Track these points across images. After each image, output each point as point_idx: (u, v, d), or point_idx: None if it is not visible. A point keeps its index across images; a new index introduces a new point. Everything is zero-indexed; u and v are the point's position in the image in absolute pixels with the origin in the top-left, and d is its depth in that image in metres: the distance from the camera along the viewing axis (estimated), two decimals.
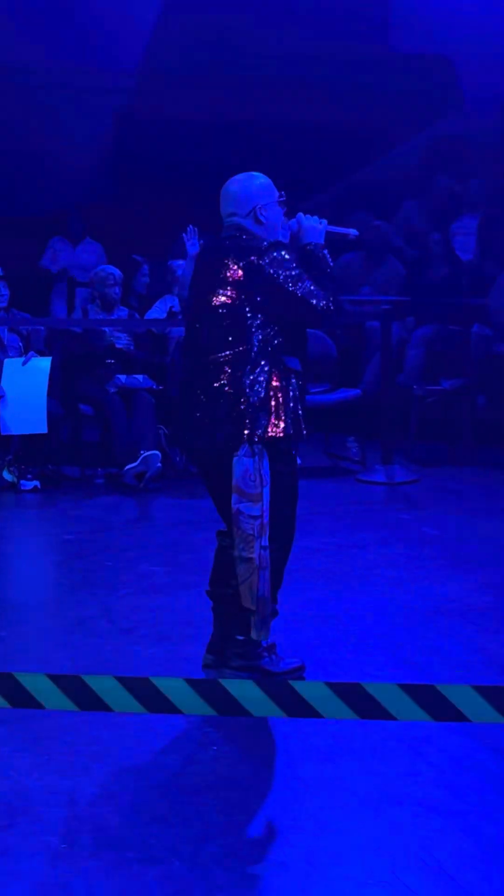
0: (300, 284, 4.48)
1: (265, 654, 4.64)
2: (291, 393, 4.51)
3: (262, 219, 4.61)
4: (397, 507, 7.96)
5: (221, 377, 4.48)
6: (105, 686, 2.59)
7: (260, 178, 4.69)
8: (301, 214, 4.72)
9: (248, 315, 4.48)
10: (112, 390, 8.74)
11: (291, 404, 4.49)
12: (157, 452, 8.43)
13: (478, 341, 9.91)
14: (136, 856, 3.32)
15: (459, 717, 2.52)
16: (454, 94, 12.38)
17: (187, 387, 4.65)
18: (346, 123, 12.04)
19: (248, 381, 4.45)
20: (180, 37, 11.98)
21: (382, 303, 9.17)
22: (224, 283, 4.53)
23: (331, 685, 2.56)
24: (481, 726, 3.97)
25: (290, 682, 2.64)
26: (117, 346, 8.91)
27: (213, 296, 4.55)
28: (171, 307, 9.24)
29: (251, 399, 4.43)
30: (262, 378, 4.45)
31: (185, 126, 11.99)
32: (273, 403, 4.45)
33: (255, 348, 4.47)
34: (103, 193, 12.13)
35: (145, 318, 9.40)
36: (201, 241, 4.66)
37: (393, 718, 2.55)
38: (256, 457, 4.41)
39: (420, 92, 12.14)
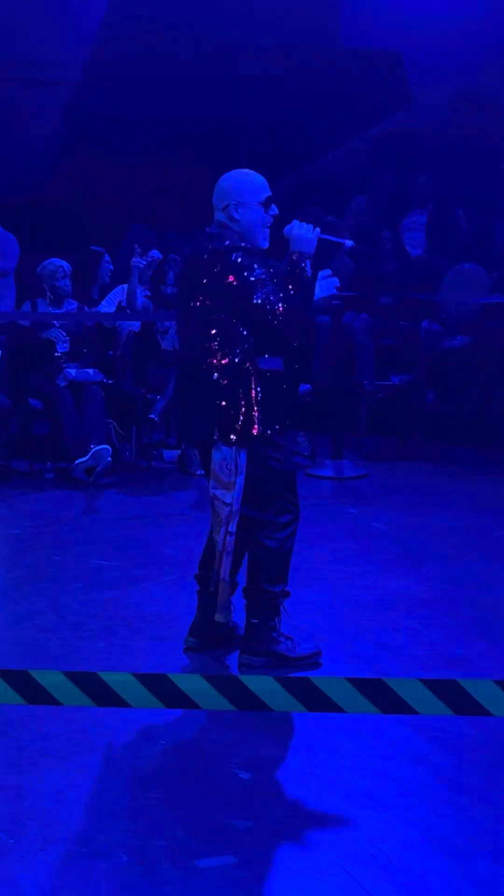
0: (257, 291, 4.52)
1: (282, 639, 4.71)
2: (264, 393, 4.58)
3: (236, 216, 4.65)
4: (346, 501, 7.99)
5: (206, 376, 4.58)
6: (53, 681, 2.58)
7: (249, 176, 4.74)
8: (295, 222, 4.74)
9: (221, 317, 4.56)
10: (62, 384, 8.70)
11: (263, 402, 4.57)
12: (106, 447, 8.41)
13: (427, 337, 9.96)
14: (83, 850, 3.32)
15: (407, 710, 2.53)
16: (403, 89, 12.44)
17: (185, 383, 4.77)
18: (296, 119, 12.08)
19: (224, 383, 4.55)
20: (127, 32, 11.95)
21: (332, 298, 9.18)
22: (200, 286, 4.63)
23: (279, 679, 2.57)
24: (429, 719, 4.00)
25: (239, 675, 2.65)
26: (58, 350, 8.85)
27: (194, 297, 4.65)
28: (120, 301, 9.21)
29: (227, 400, 4.55)
30: (229, 380, 4.55)
31: (132, 121, 11.97)
32: (244, 404, 4.55)
33: (231, 351, 4.56)
34: (51, 187, 12.07)
35: (96, 310, 9.36)
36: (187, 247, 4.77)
37: (341, 711, 2.55)
38: (234, 447, 4.56)
39: (369, 88, 12.18)
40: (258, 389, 4.57)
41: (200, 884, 3.16)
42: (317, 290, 4.76)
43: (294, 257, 4.65)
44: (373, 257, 10.62)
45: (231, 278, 4.54)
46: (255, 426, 4.56)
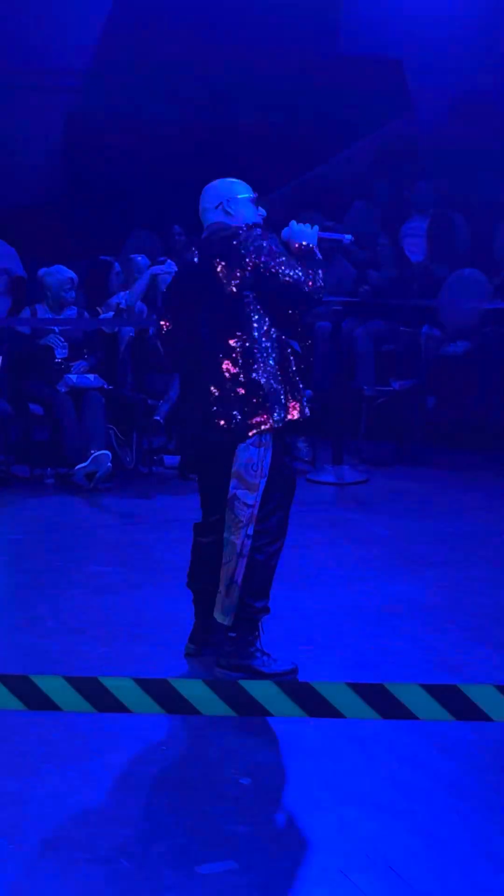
0: (281, 263, 4.55)
1: (258, 654, 4.67)
2: (297, 376, 4.66)
3: (230, 211, 4.76)
4: (346, 507, 7.99)
5: (230, 368, 4.57)
6: (54, 686, 2.58)
7: (233, 181, 4.87)
8: (293, 222, 4.82)
9: (246, 303, 4.57)
10: (62, 390, 8.71)
11: (301, 386, 4.66)
12: (107, 452, 8.41)
13: (427, 343, 9.97)
14: (84, 856, 3.32)
15: (408, 715, 2.53)
16: (403, 96, 12.45)
17: (192, 382, 4.74)
18: (297, 125, 12.09)
19: (255, 370, 4.54)
20: (129, 38, 11.96)
21: (333, 303, 9.19)
22: (216, 278, 4.61)
23: (280, 684, 2.57)
24: (430, 725, 3.99)
25: (240, 681, 2.65)
26: (57, 356, 8.85)
27: (209, 293, 4.63)
28: (118, 303, 9.20)
29: (264, 388, 4.54)
30: (268, 366, 4.57)
31: (134, 126, 11.98)
32: (284, 389, 4.60)
33: (258, 335, 4.57)
34: (53, 193, 12.08)
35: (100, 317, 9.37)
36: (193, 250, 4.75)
37: (342, 716, 2.56)
38: (263, 448, 4.57)
39: (369, 94, 12.18)
40: (289, 372, 4.61)
41: (201, 889, 3.16)
42: (308, 238, 4.77)
43: (301, 248, 4.72)
44: (372, 263, 10.62)
45: (248, 259, 4.54)
46: (295, 412, 4.59)
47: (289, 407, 4.61)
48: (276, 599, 4.70)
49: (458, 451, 9.64)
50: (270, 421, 4.55)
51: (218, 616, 4.67)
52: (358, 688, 2.55)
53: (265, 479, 4.58)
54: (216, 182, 4.89)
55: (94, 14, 12.07)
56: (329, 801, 3.67)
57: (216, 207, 4.79)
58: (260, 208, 4.84)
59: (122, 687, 2.58)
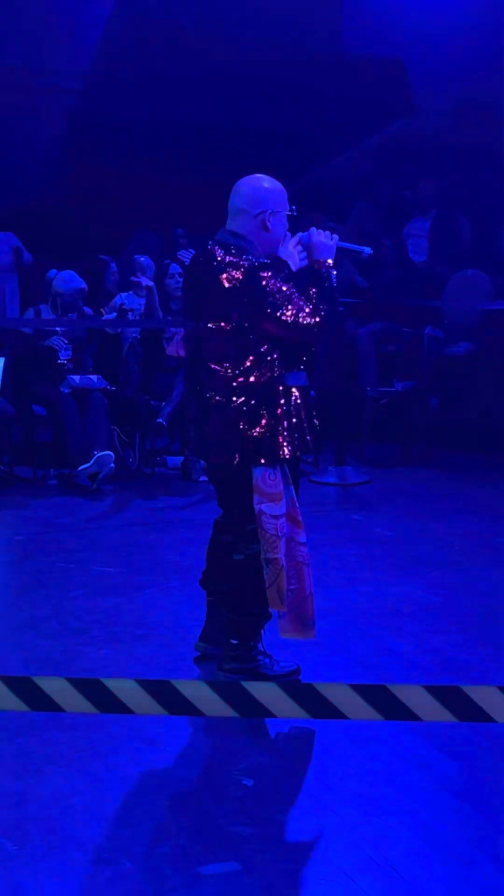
0: (289, 307, 4.39)
1: (260, 657, 4.64)
2: (294, 412, 4.47)
3: (269, 225, 4.51)
4: (349, 508, 7.99)
5: (221, 394, 4.45)
6: (56, 687, 2.58)
7: (278, 184, 4.59)
8: (313, 229, 4.64)
9: (243, 333, 4.41)
10: (66, 391, 8.71)
11: (288, 423, 4.44)
12: (110, 453, 8.42)
13: (430, 343, 9.97)
14: (86, 857, 3.32)
15: (410, 716, 2.53)
16: (406, 96, 12.45)
17: (200, 399, 4.59)
18: (300, 125, 12.09)
19: (243, 401, 4.41)
20: (131, 39, 11.96)
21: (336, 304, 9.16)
22: (220, 300, 4.44)
23: (282, 685, 2.57)
24: (432, 726, 4.00)
25: (243, 682, 2.65)
26: (60, 357, 8.86)
27: (209, 313, 4.48)
28: (121, 304, 9.19)
29: (247, 421, 4.42)
30: (255, 399, 4.42)
31: (136, 127, 11.99)
32: (268, 424, 4.43)
33: (250, 367, 4.42)
34: (55, 195, 12.09)
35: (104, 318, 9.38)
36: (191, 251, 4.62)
37: (345, 718, 2.55)
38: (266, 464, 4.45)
39: (373, 94, 12.19)
40: (285, 407, 4.45)
41: (204, 890, 3.16)
42: (327, 252, 4.61)
43: (316, 266, 4.57)
44: (375, 264, 10.63)
45: (258, 297, 4.37)
46: (286, 447, 4.43)
47: (280, 445, 4.44)
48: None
49: (460, 452, 9.64)
50: (259, 458, 4.43)
51: (296, 636, 4.57)
52: (360, 689, 2.55)
53: (290, 485, 4.48)
54: (266, 181, 4.58)
55: (97, 15, 12.07)
56: (331, 802, 3.67)
57: (256, 216, 4.51)
58: (293, 208, 4.61)
59: (125, 688, 2.58)
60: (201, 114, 11.90)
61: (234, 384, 4.43)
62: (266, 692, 2.58)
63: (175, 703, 2.57)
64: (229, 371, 4.44)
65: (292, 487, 4.51)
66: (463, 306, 10.04)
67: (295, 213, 4.63)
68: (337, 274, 4.64)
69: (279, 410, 4.44)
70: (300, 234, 4.65)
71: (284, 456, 4.45)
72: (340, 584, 6.02)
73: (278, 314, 4.39)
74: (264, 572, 4.47)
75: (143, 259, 9.65)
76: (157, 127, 11.93)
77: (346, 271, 10.69)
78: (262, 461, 4.43)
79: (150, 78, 11.83)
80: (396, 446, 9.67)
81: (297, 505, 4.53)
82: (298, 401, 4.50)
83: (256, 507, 4.43)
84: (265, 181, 4.57)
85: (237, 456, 4.44)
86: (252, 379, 4.43)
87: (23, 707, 2.58)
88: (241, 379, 4.43)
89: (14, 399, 8.89)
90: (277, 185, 4.59)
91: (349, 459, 8.91)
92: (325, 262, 4.58)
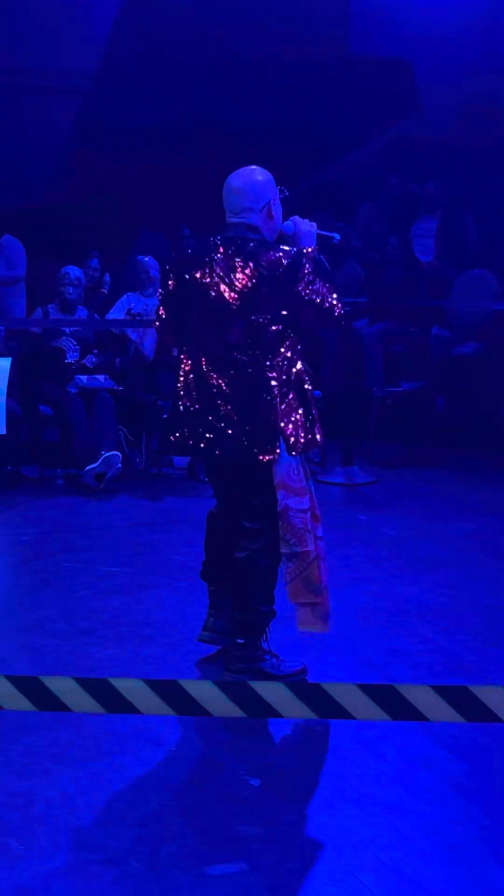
0: (321, 294, 4.44)
1: (267, 656, 4.65)
2: (312, 400, 4.59)
3: (273, 214, 4.57)
4: (356, 508, 7.99)
5: (251, 387, 4.45)
6: (63, 687, 2.58)
7: (266, 173, 4.63)
8: (297, 218, 4.69)
9: (273, 324, 4.43)
10: (73, 391, 8.71)
11: (315, 412, 4.57)
12: (117, 453, 8.42)
13: (437, 343, 9.96)
14: (94, 857, 3.32)
15: (417, 716, 2.53)
16: (412, 96, 12.44)
17: (205, 387, 4.54)
18: (306, 125, 12.09)
19: (278, 391, 4.45)
20: (137, 39, 11.97)
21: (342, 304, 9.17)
22: (240, 290, 4.43)
23: (289, 685, 2.57)
24: (440, 726, 4.00)
25: (250, 682, 2.65)
26: (68, 359, 8.87)
27: (226, 301, 4.46)
28: (129, 308, 9.21)
29: (287, 414, 4.47)
30: (292, 391, 4.49)
31: (142, 127, 11.99)
32: (304, 414, 4.52)
33: (282, 358, 4.46)
34: (61, 194, 12.10)
35: (105, 318, 9.38)
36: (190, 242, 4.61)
37: (352, 718, 2.55)
38: (295, 453, 4.50)
39: (379, 94, 12.18)
40: (309, 398, 4.54)
41: (211, 890, 3.16)
42: (311, 240, 4.66)
43: (305, 251, 4.55)
44: (381, 264, 10.63)
45: (299, 287, 4.39)
46: (318, 434, 4.55)
47: (308, 434, 4.54)
48: (286, 602, 4.69)
49: (467, 452, 9.64)
50: (295, 446, 4.48)
51: (314, 628, 4.60)
52: (367, 689, 2.55)
53: (311, 479, 4.54)
54: (254, 177, 4.58)
55: (103, 16, 12.08)
56: (338, 802, 3.67)
57: (261, 209, 4.53)
58: (283, 188, 4.64)
59: (132, 688, 2.58)
60: (208, 114, 11.90)
61: (269, 375, 4.45)
62: (273, 692, 2.57)
63: (182, 703, 2.57)
64: (260, 361, 4.44)
65: (312, 481, 4.56)
66: (470, 306, 10.03)
67: (287, 194, 4.68)
68: (343, 273, 4.68)
69: (307, 399, 4.54)
70: (286, 223, 4.69)
71: (319, 442, 4.57)
72: (347, 584, 6.02)
73: (318, 301, 4.44)
74: (284, 567, 4.52)
75: (146, 259, 9.65)
76: (163, 127, 11.94)
77: (354, 272, 10.69)
78: (300, 449, 4.48)
79: (157, 78, 11.84)
80: (403, 446, 9.66)
81: (315, 500, 4.56)
82: (309, 388, 4.59)
83: (282, 502, 4.46)
84: (257, 174, 4.61)
85: (279, 446, 4.46)
86: (286, 369, 4.48)
87: (30, 707, 2.58)
88: (275, 372, 4.45)
89: (21, 399, 8.89)
90: (266, 172, 4.64)
91: (356, 459, 8.91)
92: (313, 249, 4.61)
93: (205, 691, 2.58)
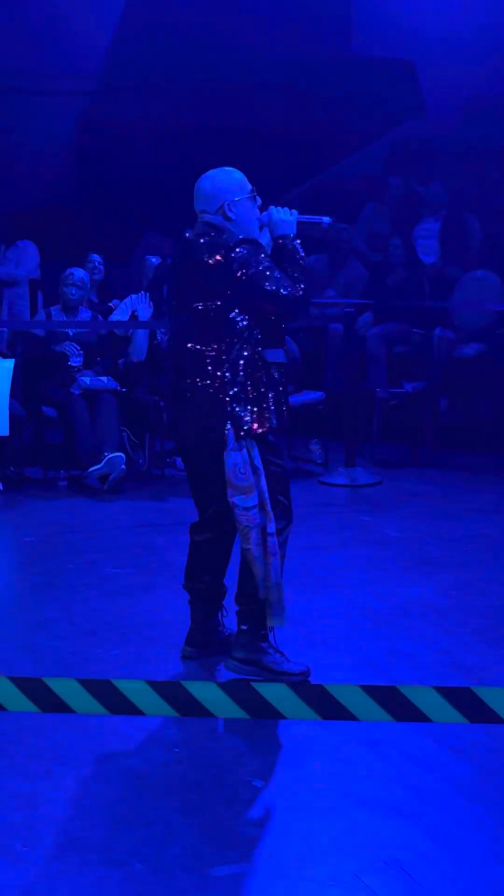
0: (268, 279, 4.49)
1: (270, 650, 4.65)
2: (273, 386, 4.57)
3: (231, 215, 4.64)
4: (359, 509, 7.98)
5: (205, 374, 4.54)
6: (67, 688, 2.59)
7: (231, 174, 4.72)
8: (273, 208, 4.73)
9: (226, 311, 4.52)
10: (76, 392, 8.72)
11: (271, 395, 4.55)
12: (120, 454, 8.42)
13: (440, 344, 9.96)
14: (97, 858, 3.32)
15: (421, 717, 2.53)
16: (416, 97, 12.44)
17: (176, 384, 4.68)
18: (310, 126, 12.08)
19: (228, 377, 4.51)
20: (140, 41, 11.97)
21: (346, 305, 9.19)
22: (200, 283, 4.57)
23: (292, 687, 2.57)
24: (443, 727, 3.99)
25: (252, 683, 2.65)
26: (71, 362, 8.87)
27: (192, 296, 4.60)
28: (134, 311, 9.19)
29: (234, 395, 4.50)
30: (242, 373, 4.51)
31: (146, 129, 11.99)
32: (255, 397, 4.52)
33: (235, 344, 4.52)
34: (66, 196, 12.10)
35: (108, 319, 9.37)
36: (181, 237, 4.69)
37: (355, 719, 2.55)
38: (244, 450, 4.49)
39: (382, 95, 12.18)
40: (263, 381, 4.54)
41: (214, 892, 3.16)
42: (287, 227, 4.70)
43: (280, 241, 4.64)
44: (385, 265, 10.62)
45: (239, 273, 4.49)
46: (259, 423, 4.50)
47: (257, 417, 4.51)
48: (289, 602, 4.69)
49: (470, 453, 9.63)
50: (240, 428, 4.49)
51: (270, 622, 4.61)
52: (371, 690, 2.55)
53: (262, 475, 4.51)
54: (213, 178, 4.72)
55: (107, 17, 12.08)
56: (342, 804, 3.66)
57: (215, 212, 4.66)
58: (258, 198, 4.73)
59: (135, 689, 2.58)
60: (211, 115, 11.89)
61: (219, 361, 4.51)
62: (276, 693, 2.58)
63: (185, 704, 2.57)
64: (213, 350, 4.53)
65: (263, 478, 4.52)
66: (473, 307, 10.02)
67: (255, 193, 4.72)
68: (346, 274, 4.69)
69: (262, 385, 4.53)
70: (264, 213, 4.74)
71: (272, 425, 4.53)
72: (350, 585, 6.02)
73: (265, 285, 4.48)
74: (250, 563, 4.56)
75: (155, 260, 9.65)
76: (166, 129, 11.93)
77: (357, 273, 10.69)
78: (241, 434, 4.47)
79: (160, 80, 11.83)
80: (406, 447, 9.66)
81: (267, 495, 4.53)
82: (276, 376, 4.59)
83: (230, 500, 4.51)
84: (218, 177, 4.73)
85: (228, 426, 4.48)
86: (235, 355, 4.51)
87: (33, 708, 2.58)
88: (224, 357, 4.51)
89: (24, 400, 8.90)
90: (231, 174, 4.73)
91: (359, 460, 8.90)
92: (288, 237, 4.65)
93: (208, 693, 2.58)
